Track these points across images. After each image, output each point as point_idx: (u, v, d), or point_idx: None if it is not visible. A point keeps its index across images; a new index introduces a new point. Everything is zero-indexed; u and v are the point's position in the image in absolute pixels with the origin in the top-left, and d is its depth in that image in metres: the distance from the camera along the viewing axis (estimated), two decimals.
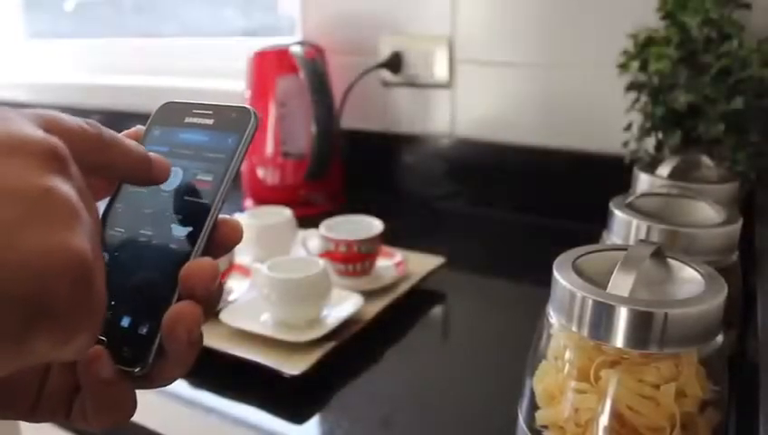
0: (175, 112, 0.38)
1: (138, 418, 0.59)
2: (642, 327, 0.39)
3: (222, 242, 0.35)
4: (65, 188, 0.24)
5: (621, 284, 0.40)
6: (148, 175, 0.33)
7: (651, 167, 0.71)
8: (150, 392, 0.35)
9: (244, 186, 1.19)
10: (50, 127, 0.26)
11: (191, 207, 0.35)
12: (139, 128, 0.39)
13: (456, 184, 1.18)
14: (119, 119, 1.49)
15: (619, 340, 0.39)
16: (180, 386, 0.64)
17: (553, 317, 0.44)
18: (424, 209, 1.19)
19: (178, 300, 0.33)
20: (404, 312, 0.78)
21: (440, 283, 0.87)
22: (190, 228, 0.34)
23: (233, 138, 0.35)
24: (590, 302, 0.40)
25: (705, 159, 0.71)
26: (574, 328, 0.41)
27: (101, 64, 1.74)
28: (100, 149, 0.29)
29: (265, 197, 1.14)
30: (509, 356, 0.59)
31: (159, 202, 0.36)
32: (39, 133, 0.25)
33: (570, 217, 1.04)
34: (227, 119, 0.36)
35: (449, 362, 0.71)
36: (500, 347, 0.72)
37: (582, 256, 0.46)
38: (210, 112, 0.37)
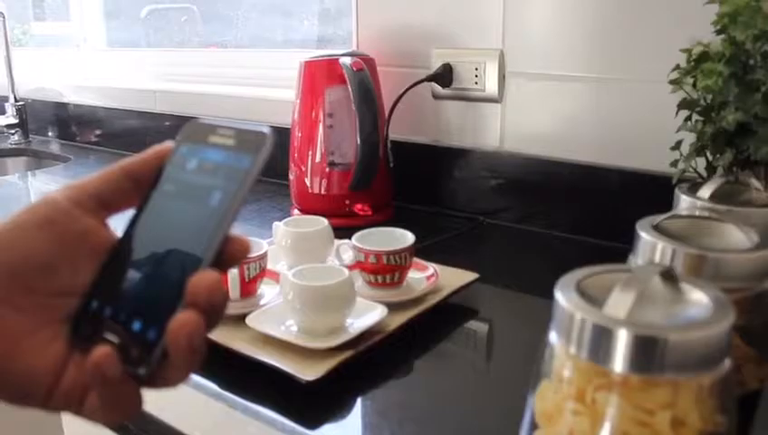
0: (201, 132, 0.41)
1: (156, 412, 0.60)
2: (640, 351, 0.37)
3: (230, 256, 0.38)
4: None
5: (619, 303, 0.38)
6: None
7: (696, 188, 0.68)
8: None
9: (292, 194, 1.20)
10: None
11: (204, 223, 0.37)
12: (168, 143, 0.42)
13: (503, 200, 1.16)
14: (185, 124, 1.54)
15: (617, 363, 0.38)
16: (198, 381, 0.66)
17: (554, 337, 0.42)
18: (469, 224, 1.17)
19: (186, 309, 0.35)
20: (432, 325, 0.77)
21: (475, 299, 0.85)
22: (201, 242, 0.37)
23: (247, 159, 0.38)
24: (589, 323, 0.38)
25: (754, 182, 0.68)
26: (573, 349, 0.40)
27: (171, 72, 1.82)
28: None
29: (311, 206, 1.15)
30: (529, 375, 0.57)
31: (179, 216, 0.39)
32: None
33: (619, 238, 1.00)
34: (245, 141, 0.38)
35: (469, 377, 0.70)
36: (524, 366, 0.70)
37: (590, 276, 0.44)
38: (231, 134, 0.39)
